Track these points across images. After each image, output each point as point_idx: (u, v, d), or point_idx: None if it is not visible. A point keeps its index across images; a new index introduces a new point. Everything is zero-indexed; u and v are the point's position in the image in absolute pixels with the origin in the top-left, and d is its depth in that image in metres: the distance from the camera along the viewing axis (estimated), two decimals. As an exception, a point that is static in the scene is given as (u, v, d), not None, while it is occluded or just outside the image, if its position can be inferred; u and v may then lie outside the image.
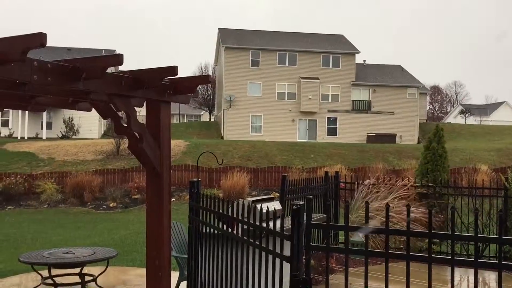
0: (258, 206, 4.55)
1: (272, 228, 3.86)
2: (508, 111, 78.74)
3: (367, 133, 42.98)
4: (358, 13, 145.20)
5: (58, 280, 6.43)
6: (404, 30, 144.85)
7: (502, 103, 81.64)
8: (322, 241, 8.51)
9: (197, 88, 4.38)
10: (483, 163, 24.73)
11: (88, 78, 3.30)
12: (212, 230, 4.88)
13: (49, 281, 6.29)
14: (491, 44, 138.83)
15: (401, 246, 8.78)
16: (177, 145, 27.42)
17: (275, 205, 5.43)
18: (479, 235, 3.11)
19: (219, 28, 47.75)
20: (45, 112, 35.26)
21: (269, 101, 43.35)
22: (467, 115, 69.03)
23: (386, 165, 24.52)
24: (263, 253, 3.95)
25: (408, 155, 27.56)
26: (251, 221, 4.16)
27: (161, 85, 4.02)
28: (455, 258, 3.11)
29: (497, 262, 3.02)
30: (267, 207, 4.14)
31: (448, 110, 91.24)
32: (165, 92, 4.17)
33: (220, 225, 4.70)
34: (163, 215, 4.36)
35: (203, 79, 4.37)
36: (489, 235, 8.42)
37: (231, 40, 44.40)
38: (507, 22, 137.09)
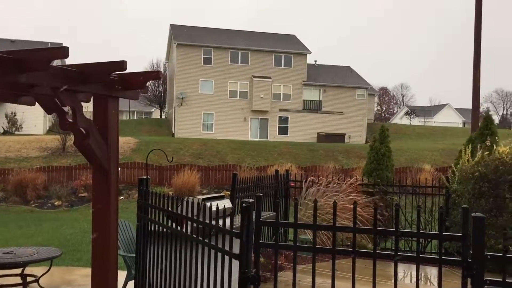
0: (208, 204, 4.53)
1: (221, 226, 3.86)
2: (451, 113, 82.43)
3: (318, 133, 43.74)
4: (310, 14, 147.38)
5: (-2, 281, 6.15)
6: (354, 32, 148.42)
7: (445, 105, 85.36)
8: (272, 238, 8.58)
9: (148, 84, 4.29)
10: (427, 163, 25.73)
11: (31, 70, 3.16)
12: (161, 228, 4.82)
13: (-12, 282, 6.01)
14: (435, 47, 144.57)
15: (349, 243, 8.99)
16: (126, 142, 26.86)
17: (225, 203, 5.43)
18: (421, 231, 3.23)
19: (171, 24, 47.12)
20: (-14, 106, 33.62)
21: (221, 99, 43.25)
22: (412, 116, 71.63)
23: (335, 164, 25.05)
24: (212, 251, 3.94)
25: (356, 154, 28.27)
26: (201, 219, 4.13)
27: (109, 79, 3.92)
28: (398, 254, 3.22)
29: (438, 257, 3.15)
30: (217, 205, 4.13)
31: (395, 111, 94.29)
32: (113, 87, 4.07)
33: (169, 223, 4.65)
34: (110, 213, 4.26)
35: (154, 75, 4.29)
36: (431, 231, 8.77)
37: (183, 36, 43.94)
38: (452, 27, 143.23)
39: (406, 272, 7.97)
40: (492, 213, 7.80)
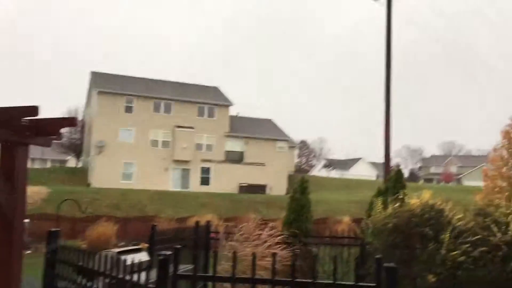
0: (123, 257, 4.32)
1: (136, 281, 3.67)
2: (364, 166, 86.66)
3: (239, 183, 43.91)
4: (230, 66, 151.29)
5: None
6: (277, 85, 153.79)
7: (359, 159, 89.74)
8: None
9: (63, 131, 4.12)
10: (344, 214, 26.57)
11: None
12: (70, 284, 4.50)
13: None
14: (351, 103, 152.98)
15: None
16: (37, 192, 25.27)
17: (142, 256, 5.22)
18: (337, 282, 3.28)
19: (91, 72, 46.25)
20: None
21: (142, 148, 42.42)
22: (330, 168, 74.35)
23: (256, 215, 25.08)
24: (126, 308, 3.72)
25: (277, 205, 28.60)
26: (115, 274, 3.91)
27: (19, 125, 3.71)
28: (316, 305, 3.22)
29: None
30: (133, 258, 3.95)
31: (314, 164, 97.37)
32: (23, 133, 3.85)
33: (81, 279, 4.36)
34: (13, 269, 3.91)
35: (69, 121, 4.13)
36: (348, 282, 8.92)
37: (104, 84, 43.15)
38: (365, 84, 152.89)
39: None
40: (405, 264, 8.11)
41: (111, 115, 41.76)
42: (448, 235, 7.26)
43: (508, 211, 7.53)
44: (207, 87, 50.22)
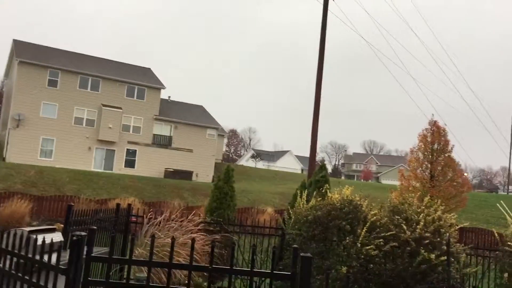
0: (34, 236, 4.11)
1: (47, 262, 3.50)
2: (291, 159, 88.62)
3: (166, 168, 43.28)
4: (172, 49, 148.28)
5: None
6: (211, 74, 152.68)
7: (286, 151, 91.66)
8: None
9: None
10: (268, 205, 27.00)
11: None
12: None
13: None
14: (283, 97, 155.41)
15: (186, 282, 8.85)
16: None
17: (55, 236, 4.98)
18: (254, 270, 3.31)
19: (14, 39, 43.32)
20: None
21: (64, 125, 40.53)
22: (257, 159, 75.22)
23: (181, 201, 24.91)
24: (33, 290, 3.54)
25: (202, 192, 28.52)
26: (23, 253, 3.71)
27: None
28: (232, 292, 3.24)
29: (268, 295, 3.24)
30: (44, 238, 3.76)
31: (242, 153, 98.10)
32: None
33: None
34: None
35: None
36: (266, 270, 9.07)
37: (28, 54, 40.59)
38: (298, 80, 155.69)
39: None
40: (322, 256, 8.38)
41: (32, 88, 39.45)
42: (364, 229, 7.58)
43: (419, 210, 7.99)
44: (139, 67, 48.84)
